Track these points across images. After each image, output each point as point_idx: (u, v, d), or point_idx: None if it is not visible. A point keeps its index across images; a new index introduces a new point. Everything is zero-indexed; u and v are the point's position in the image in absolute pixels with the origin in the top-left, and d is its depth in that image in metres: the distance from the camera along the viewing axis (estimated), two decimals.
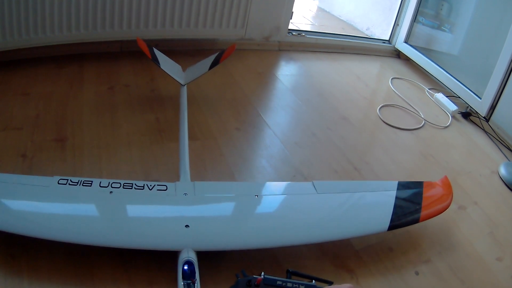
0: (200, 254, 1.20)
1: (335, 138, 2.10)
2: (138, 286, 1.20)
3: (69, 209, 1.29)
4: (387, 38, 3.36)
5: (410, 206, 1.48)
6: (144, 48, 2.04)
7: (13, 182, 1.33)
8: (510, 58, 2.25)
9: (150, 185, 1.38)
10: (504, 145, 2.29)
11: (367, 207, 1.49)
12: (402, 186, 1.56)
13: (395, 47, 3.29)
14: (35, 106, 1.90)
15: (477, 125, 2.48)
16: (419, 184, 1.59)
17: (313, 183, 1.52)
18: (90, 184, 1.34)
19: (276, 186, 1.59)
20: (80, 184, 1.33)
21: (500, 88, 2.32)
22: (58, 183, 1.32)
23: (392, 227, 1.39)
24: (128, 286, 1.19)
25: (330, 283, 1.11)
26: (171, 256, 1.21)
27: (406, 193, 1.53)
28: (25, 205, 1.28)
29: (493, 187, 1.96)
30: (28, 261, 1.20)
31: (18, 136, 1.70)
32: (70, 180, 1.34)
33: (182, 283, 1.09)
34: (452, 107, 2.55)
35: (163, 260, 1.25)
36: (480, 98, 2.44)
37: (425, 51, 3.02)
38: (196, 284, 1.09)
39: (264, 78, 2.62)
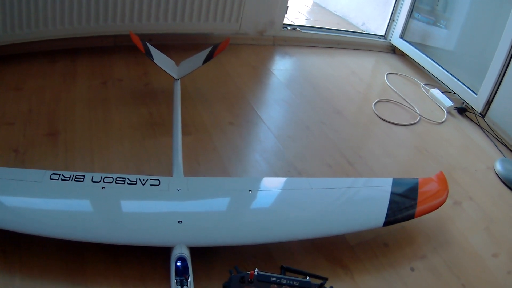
0: (193, 250, 1.19)
1: (329, 132, 2.09)
2: (130, 283, 1.19)
3: (61, 205, 1.28)
4: (383, 34, 3.34)
5: (406, 201, 1.47)
6: (137, 42, 2.02)
7: (4, 176, 1.32)
8: (506, 54, 2.24)
9: (143, 180, 1.37)
10: (500, 141, 2.28)
11: (362, 203, 1.48)
12: (397, 182, 1.55)
13: (390, 43, 3.28)
14: (28, 101, 1.88)
15: (473, 121, 2.47)
16: (414, 180, 1.58)
17: (307, 179, 1.51)
18: (82, 179, 1.33)
19: (270, 182, 1.58)
20: (72, 179, 1.32)
21: (496, 84, 2.31)
22: (50, 178, 1.31)
23: (387, 222, 1.38)
24: (120, 283, 1.18)
25: (325, 279, 1.10)
26: (163, 252, 1.21)
27: (401, 188, 1.53)
28: (16, 201, 1.27)
29: (489, 182, 1.95)
30: (20, 258, 1.19)
31: (10, 131, 1.69)
32: (62, 175, 1.33)
33: (175, 280, 1.08)
34: (448, 102, 2.55)
35: (156, 256, 1.24)
36: (476, 94, 2.43)
37: (421, 46, 3.01)
38: (189, 281, 1.09)
39: (259, 73, 2.60)
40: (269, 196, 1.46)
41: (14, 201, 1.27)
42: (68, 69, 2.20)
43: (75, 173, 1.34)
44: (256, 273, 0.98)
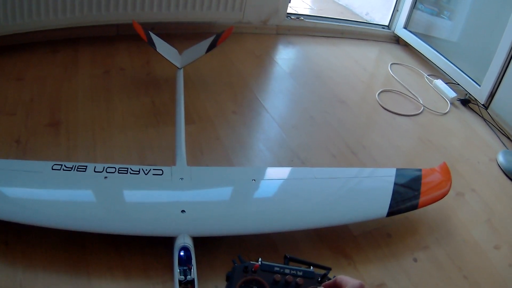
0: (196, 240, 1.19)
1: (333, 121, 2.09)
2: (133, 273, 1.19)
3: (63, 195, 1.28)
4: (387, 24, 3.32)
5: (409, 192, 1.47)
6: (140, 31, 2.01)
7: (6, 168, 1.31)
8: (510, 46, 2.22)
9: (146, 170, 1.36)
10: (503, 133, 2.27)
11: (366, 193, 1.47)
12: (400, 172, 1.54)
13: (394, 33, 3.25)
14: (29, 91, 1.88)
15: (476, 113, 2.46)
16: (417, 171, 1.58)
17: (311, 168, 1.51)
18: (84, 169, 1.33)
19: (274, 171, 1.58)
20: (74, 170, 1.32)
21: (499, 75, 2.29)
22: (52, 169, 1.31)
23: (390, 213, 1.38)
24: (123, 273, 1.18)
25: (328, 269, 1.10)
26: (166, 242, 1.21)
27: (405, 179, 1.52)
28: (18, 192, 1.26)
29: (491, 174, 1.95)
30: (22, 249, 1.19)
31: (12, 121, 1.69)
32: (64, 165, 1.32)
33: (178, 270, 1.08)
34: (451, 94, 2.53)
35: (159, 246, 1.24)
36: (479, 86, 2.42)
37: (425, 37, 2.99)
38: (192, 270, 1.09)
39: (262, 62, 2.59)
40: (272, 185, 1.45)
41: (16, 192, 1.26)
42: (70, 59, 2.19)
43: (77, 164, 1.34)
44: (259, 263, 0.98)
